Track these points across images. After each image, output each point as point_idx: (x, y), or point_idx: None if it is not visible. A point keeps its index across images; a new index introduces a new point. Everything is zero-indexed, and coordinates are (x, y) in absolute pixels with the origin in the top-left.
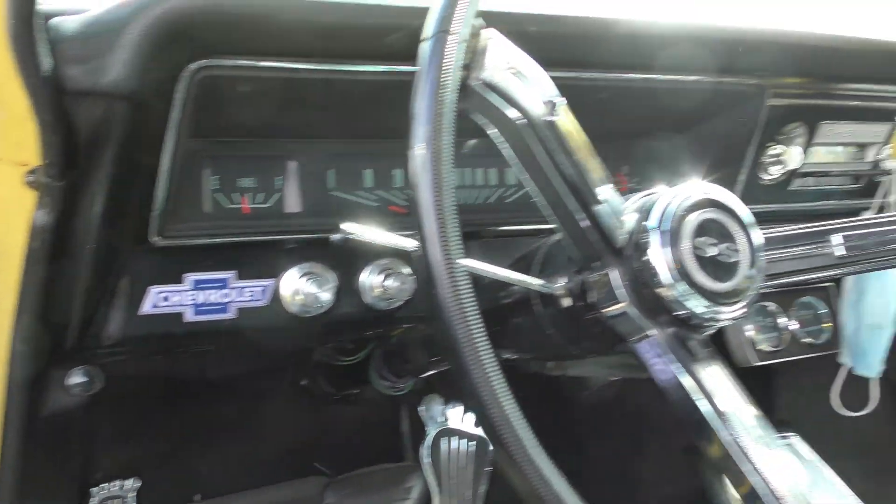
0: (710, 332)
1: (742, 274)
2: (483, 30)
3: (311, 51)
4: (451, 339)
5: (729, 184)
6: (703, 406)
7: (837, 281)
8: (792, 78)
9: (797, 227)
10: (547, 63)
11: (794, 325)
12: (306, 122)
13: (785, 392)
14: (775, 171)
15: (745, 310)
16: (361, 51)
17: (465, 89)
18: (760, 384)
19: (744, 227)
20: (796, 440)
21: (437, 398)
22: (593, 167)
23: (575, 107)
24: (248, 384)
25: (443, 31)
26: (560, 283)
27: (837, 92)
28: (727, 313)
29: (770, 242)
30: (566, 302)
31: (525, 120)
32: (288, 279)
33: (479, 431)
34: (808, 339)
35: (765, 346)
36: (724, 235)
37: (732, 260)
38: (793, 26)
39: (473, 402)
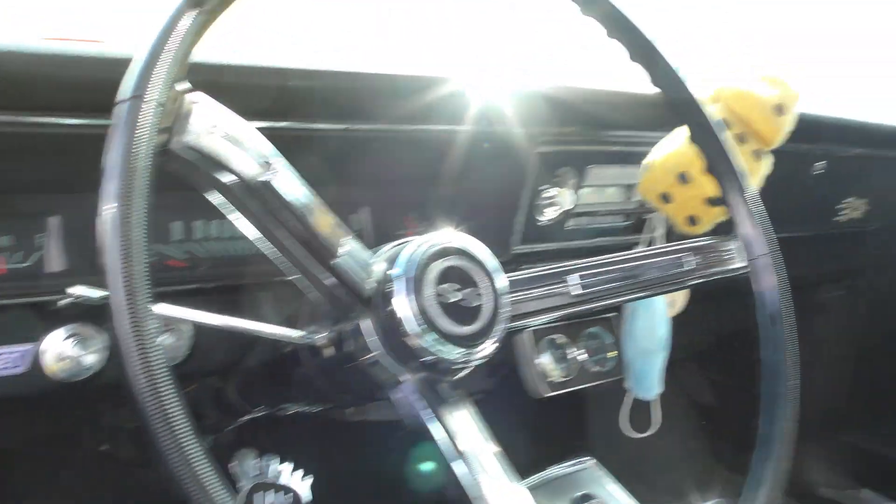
0: (461, 374)
1: (485, 317)
2: (188, 94)
3: (40, 104)
4: (145, 416)
5: (509, 226)
6: (447, 448)
7: (619, 310)
8: (559, 127)
9: (538, 268)
10: (309, 115)
11: (582, 355)
12: (66, 175)
13: (581, 419)
14: (550, 213)
15: (492, 350)
16: (74, 103)
17: (167, 154)
18: (557, 413)
19: (487, 272)
20: (592, 464)
21: (251, 451)
22: (324, 222)
23: (349, 156)
24: (40, 453)
25: (136, 96)
26: (322, 335)
27: (601, 138)
28: (473, 356)
29: (513, 285)
30: (328, 352)
31: (240, 183)
32: (50, 343)
33: (296, 483)
34: (596, 368)
35: (556, 377)
36: (468, 281)
37: (475, 304)
38: (560, 81)
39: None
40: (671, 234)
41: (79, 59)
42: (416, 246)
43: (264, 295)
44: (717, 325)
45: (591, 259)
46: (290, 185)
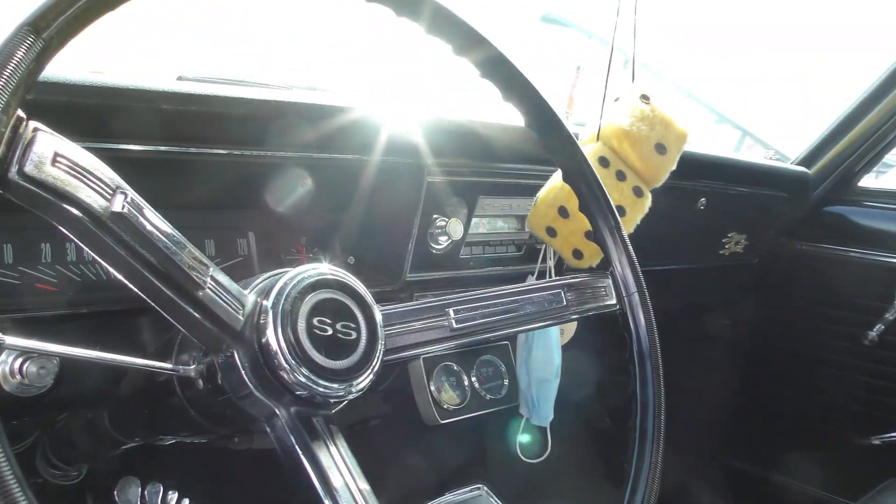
0: (336, 408)
1: (360, 351)
2: (27, 122)
3: None
4: None
5: (402, 253)
6: (317, 483)
7: (512, 339)
8: (449, 158)
9: (416, 302)
10: (192, 140)
11: (476, 383)
12: None
13: (475, 445)
14: (443, 242)
15: (367, 384)
16: None
17: (4, 183)
18: (452, 439)
19: (362, 305)
20: (483, 491)
21: (134, 480)
22: (186, 253)
23: (234, 181)
24: None
25: None
26: (193, 366)
27: (492, 170)
28: (347, 390)
29: (392, 318)
30: (200, 384)
31: (90, 216)
32: None
33: None
34: (489, 395)
35: (450, 405)
36: (343, 314)
37: (351, 338)
38: (450, 113)
39: None
40: (563, 266)
41: None
42: (290, 278)
43: (138, 321)
44: (604, 352)
45: (469, 292)
46: (145, 217)
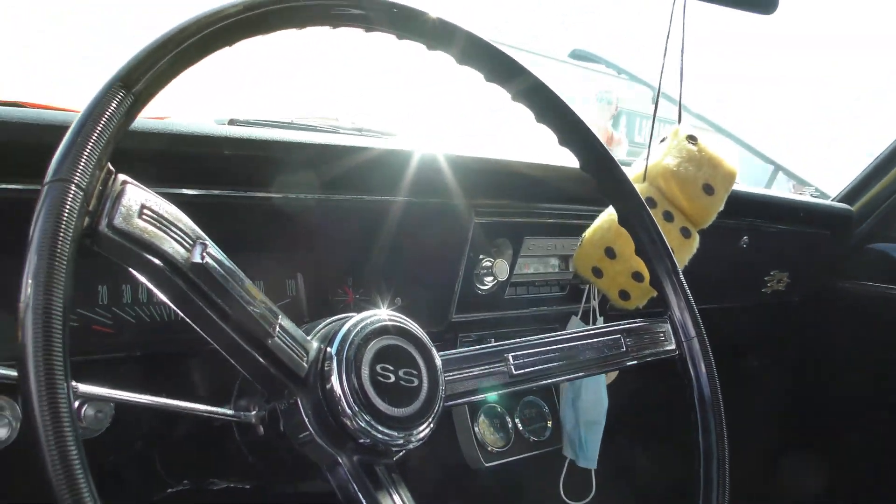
0: (397, 456)
1: (422, 398)
2: (116, 175)
3: None
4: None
5: (448, 295)
6: None
7: None
8: (495, 199)
9: (476, 348)
10: (243, 184)
11: (520, 424)
12: None
13: (518, 487)
14: (489, 282)
15: (427, 432)
16: None
17: (94, 236)
18: (495, 481)
19: (424, 352)
20: None
21: None
22: (257, 303)
23: (283, 223)
24: None
25: (60, 179)
26: (254, 412)
27: (537, 210)
28: (410, 438)
29: (451, 364)
30: (261, 430)
31: (169, 266)
32: None
33: None
34: (533, 437)
35: (494, 447)
36: (405, 361)
37: (413, 385)
38: (498, 153)
39: None
40: (607, 305)
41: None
42: (353, 324)
43: (194, 363)
44: (649, 394)
45: (528, 339)
46: (222, 268)
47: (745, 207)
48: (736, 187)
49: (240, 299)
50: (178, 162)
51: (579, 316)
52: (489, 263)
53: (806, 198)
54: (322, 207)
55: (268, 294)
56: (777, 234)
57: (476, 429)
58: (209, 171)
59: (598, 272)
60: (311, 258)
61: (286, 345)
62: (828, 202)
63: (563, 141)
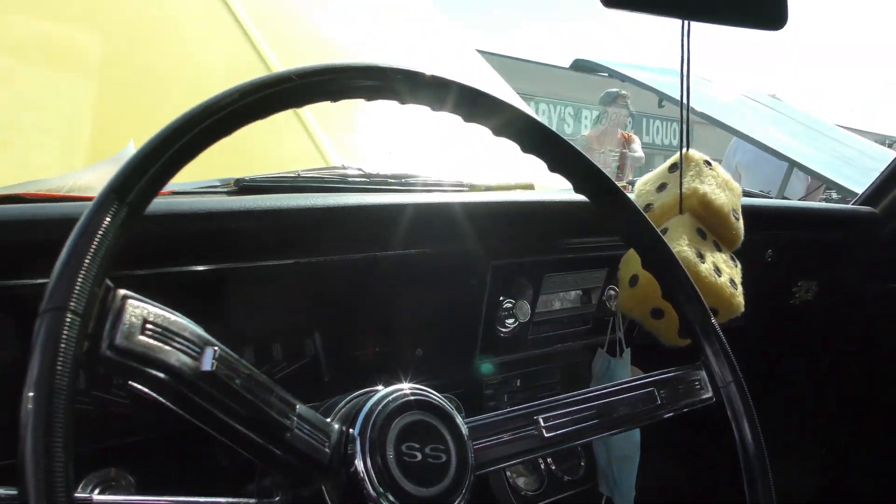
0: None
1: (451, 475)
2: (113, 292)
3: None
4: None
5: (470, 341)
6: None
7: None
8: (512, 240)
9: (503, 412)
10: (254, 253)
11: (553, 464)
12: None
13: None
14: (510, 324)
15: None
16: None
17: (95, 358)
18: None
19: (449, 424)
20: None
21: None
22: (272, 398)
23: (297, 286)
24: None
25: (54, 308)
26: (277, 498)
27: (555, 247)
28: None
29: (480, 430)
30: None
31: (178, 378)
32: None
33: None
34: (567, 476)
35: (527, 490)
36: (431, 436)
37: (441, 461)
38: (509, 194)
39: None
40: (633, 334)
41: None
42: (375, 403)
43: (216, 445)
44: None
45: (558, 397)
46: (232, 370)
47: (766, 220)
48: (757, 201)
49: (254, 399)
50: (185, 240)
51: (605, 348)
52: (510, 305)
53: (827, 204)
54: (335, 267)
55: (285, 356)
56: (801, 244)
57: (507, 472)
58: (220, 245)
59: (658, 314)
60: (328, 315)
61: (305, 434)
62: (851, 206)
63: (579, 188)
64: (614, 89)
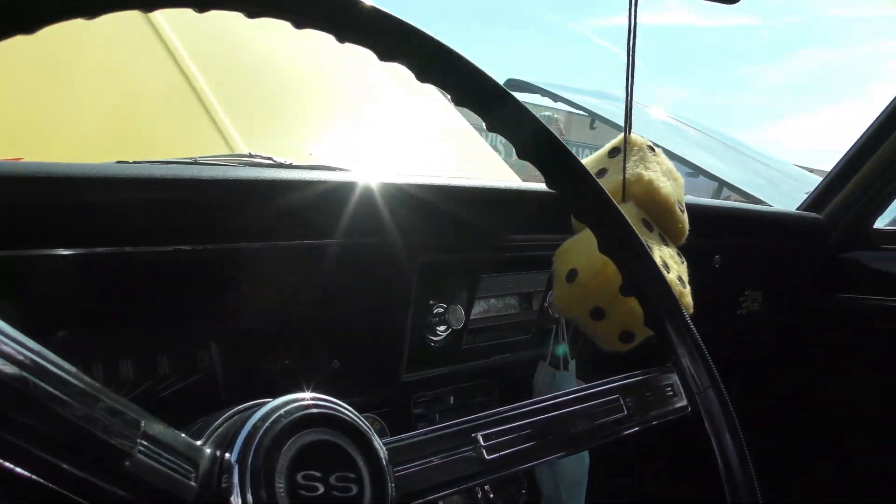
0: None
1: None
2: None
3: None
4: None
5: (396, 351)
6: None
7: None
8: (442, 232)
9: (433, 428)
10: (123, 236)
11: (490, 492)
12: None
13: None
14: (442, 332)
15: None
16: None
17: None
18: None
19: (361, 443)
20: None
21: None
22: (99, 408)
23: (183, 283)
24: None
25: None
26: None
27: (493, 243)
28: None
29: (405, 452)
30: None
31: None
32: None
33: None
34: None
35: None
36: (337, 461)
37: (352, 493)
38: (432, 178)
39: None
40: (577, 346)
41: None
42: (260, 419)
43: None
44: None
45: (500, 410)
46: (22, 367)
47: (716, 223)
48: (707, 201)
49: (66, 415)
50: (47, 216)
51: (548, 360)
52: (441, 309)
53: (772, 208)
54: (232, 258)
55: (174, 370)
56: (748, 250)
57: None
58: (91, 223)
59: (598, 314)
60: (227, 322)
61: (157, 461)
62: (796, 211)
63: (524, 153)
64: (546, 112)
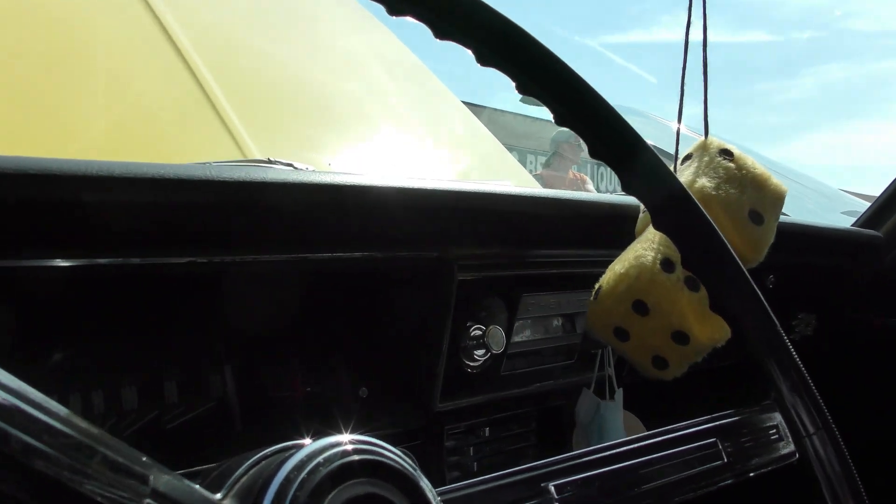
0: None
1: None
2: None
3: None
4: None
5: (429, 377)
6: None
7: None
8: (482, 248)
9: (495, 476)
10: (127, 245)
11: None
12: None
13: None
14: (480, 357)
15: None
16: None
17: None
18: None
19: (415, 495)
20: None
21: None
22: (96, 462)
23: (196, 298)
24: None
25: None
26: None
27: (535, 260)
28: None
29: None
30: None
31: None
32: None
33: None
34: None
35: None
36: None
37: None
38: (472, 184)
39: None
40: (623, 373)
41: None
42: (293, 469)
43: None
44: None
45: (576, 454)
46: (17, 418)
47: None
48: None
49: (48, 470)
50: (36, 218)
51: (591, 388)
52: (479, 332)
53: (829, 224)
54: (252, 273)
55: (183, 398)
56: (803, 270)
57: None
58: (89, 229)
59: (622, 334)
60: (243, 343)
61: None
62: (855, 228)
63: (595, 151)
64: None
